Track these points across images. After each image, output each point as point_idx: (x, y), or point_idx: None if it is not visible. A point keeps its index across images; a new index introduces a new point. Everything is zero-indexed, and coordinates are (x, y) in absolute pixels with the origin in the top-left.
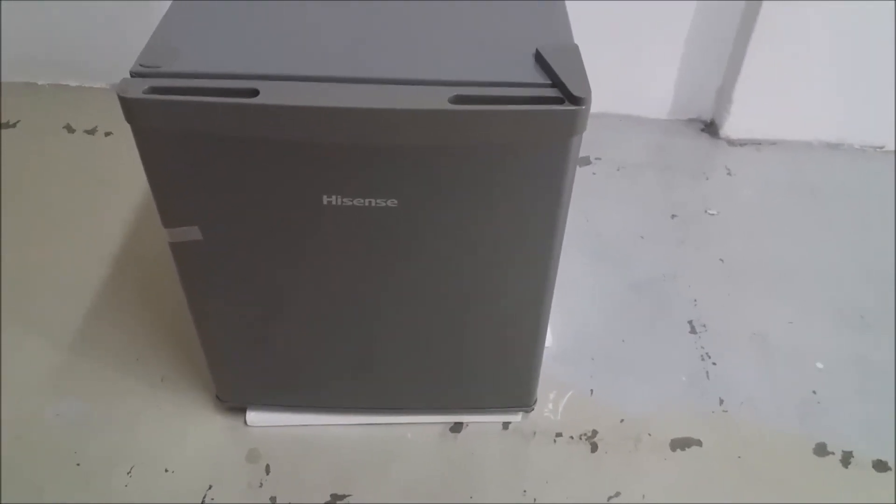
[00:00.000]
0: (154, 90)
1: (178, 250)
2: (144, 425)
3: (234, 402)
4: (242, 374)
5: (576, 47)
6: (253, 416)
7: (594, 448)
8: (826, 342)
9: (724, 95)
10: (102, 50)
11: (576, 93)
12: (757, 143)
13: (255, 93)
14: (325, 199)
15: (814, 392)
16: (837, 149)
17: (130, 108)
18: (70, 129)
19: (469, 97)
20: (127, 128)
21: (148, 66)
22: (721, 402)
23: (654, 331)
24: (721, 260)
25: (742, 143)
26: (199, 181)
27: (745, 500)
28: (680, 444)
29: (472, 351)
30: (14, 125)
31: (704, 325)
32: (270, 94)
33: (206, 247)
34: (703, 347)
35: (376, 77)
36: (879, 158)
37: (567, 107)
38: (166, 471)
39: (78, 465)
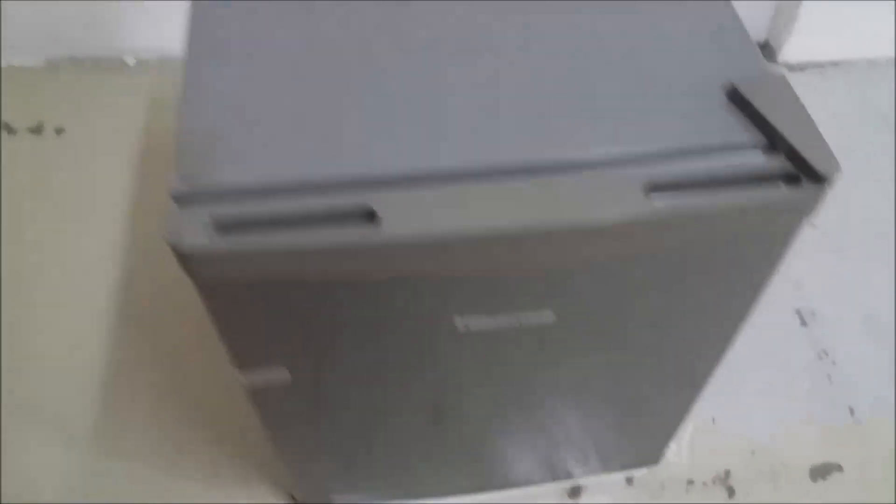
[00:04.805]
0: (221, 227)
1: (259, 394)
2: None
3: (315, 500)
4: (328, 478)
5: (783, 77)
6: None
7: (731, 493)
8: None
9: (784, 14)
10: (29, 18)
11: (818, 166)
12: (820, 66)
13: (371, 216)
14: (458, 322)
15: None
16: None
17: (191, 262)
18: (10, 130)
19: (667, 184)
20: (84, 122)
21: (193, 179)
22: (851, 412)
23: (762, 328)
24: (813, 225)
25: (802, 68)
26: (289, 324)
27: None
28: (819, 472)
29: (609, 428)
30: None
31: (813, 313)
32: (395, 218)
33: (296, 387)
34: (817, 343)
35: (529, 162)
36: None
37: (806, 187)
38: None
39: None
